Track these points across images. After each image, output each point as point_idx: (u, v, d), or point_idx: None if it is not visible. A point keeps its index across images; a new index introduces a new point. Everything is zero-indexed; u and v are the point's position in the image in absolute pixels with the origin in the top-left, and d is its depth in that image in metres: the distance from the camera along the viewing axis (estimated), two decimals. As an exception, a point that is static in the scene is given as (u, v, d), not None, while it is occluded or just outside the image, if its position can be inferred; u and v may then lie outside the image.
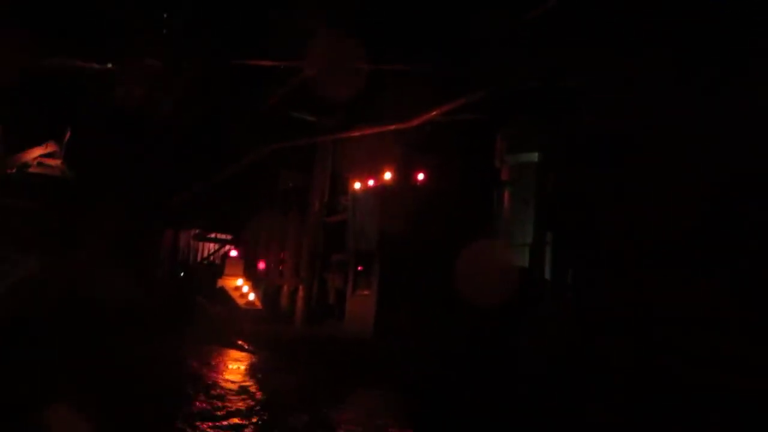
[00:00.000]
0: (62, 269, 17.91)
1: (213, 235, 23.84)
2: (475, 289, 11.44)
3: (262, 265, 18.40)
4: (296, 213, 17.97)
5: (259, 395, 8.36)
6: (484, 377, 8.60)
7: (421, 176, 14.52)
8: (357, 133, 14.76)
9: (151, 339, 13.11)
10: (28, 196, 19.94)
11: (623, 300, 8.49)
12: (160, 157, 20.16)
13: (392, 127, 13.85)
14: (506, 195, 13.62)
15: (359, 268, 15.06)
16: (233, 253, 19.00)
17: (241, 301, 16.73)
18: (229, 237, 23.04)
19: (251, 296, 16.92)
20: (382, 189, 14.81)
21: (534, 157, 12.70)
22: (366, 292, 14.40)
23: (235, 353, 13.03)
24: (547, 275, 11.94)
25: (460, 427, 7.30)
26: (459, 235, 12.53)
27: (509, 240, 12.86)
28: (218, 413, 7.06)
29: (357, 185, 15.63)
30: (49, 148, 19.82)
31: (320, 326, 15.73)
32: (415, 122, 13.37)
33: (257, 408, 7.46)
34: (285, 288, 17.47)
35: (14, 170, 19.20)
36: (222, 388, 8.52)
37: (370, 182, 15.21)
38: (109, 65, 16.27)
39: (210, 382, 9.10)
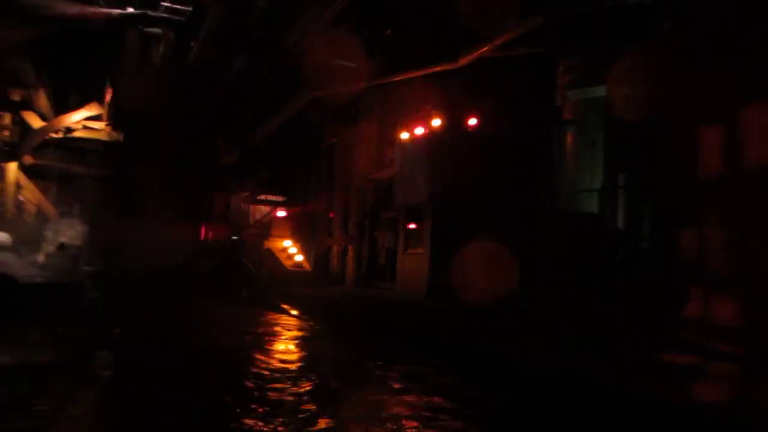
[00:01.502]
0: (113, 234, 17.82)
1: (263, 197, 23.34)
2: (537, 241, 10.22)
3: (312, 226, 17.63)
4: (344, 168, 17.00)
5: (301, 369, 7.45)
6: (551, 345, 7.39)
7: (473, 121, 13.15)
8: (400, 77, 13.44)
9: (197, 303, 12.60)
10: (78, 161, 19.83)
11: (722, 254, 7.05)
12: (206, 117, 19.53)
13: (438, 68, 12.48)
14: (569, 136, 12.13)
15: (410, 225, 14.01)
16: (280, 213, 18.28)
17: (288, 263, 16.04)
18: (279, 198, 22.47)
19: (299, 258, 16.19)
20: (431, 137, 13.56)
21: (602, 91, 11.13)
22: (419, 251, 13.35)
23: (281, 318, 12.30)
24: (620, 224, 10.55)
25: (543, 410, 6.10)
26: (517, 182, 11.24)
27: (574, 186, 11.45)
28: (264, 388, 6.21)
29: (404, 135, 14.43)
30: (93, 109, 19.48)
31: (371, 288, 14.85)
32: (464, 61, 11.93)
33: (301, 389, 6.49)
34: (334, 248, 16.65)
35: (60, 134, 18.96)
36: (264, 363, 7.63)
37: (419, 131, 13.97)
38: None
39: (250, 353, 8.30)
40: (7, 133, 19.25)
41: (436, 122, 13.48)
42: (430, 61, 12.75)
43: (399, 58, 13.97)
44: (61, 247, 14.18)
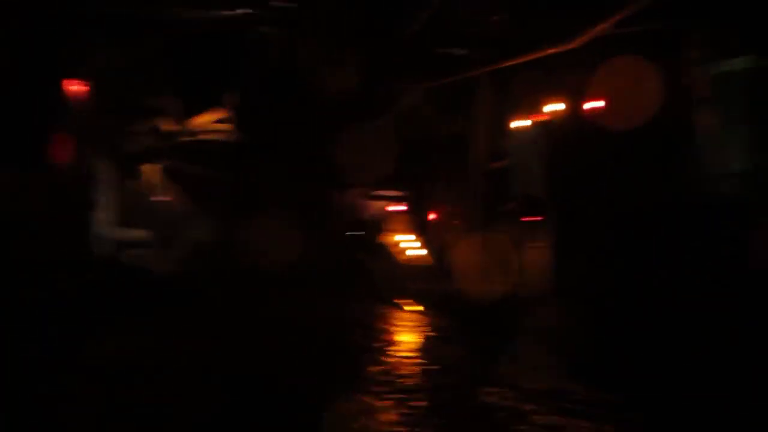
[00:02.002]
0: (238, 232, 18.66)
1: (380, 192, 23.44)
2: (672, 232, 9.37)
3: (426, 219, 17.50)
4: (457, 161, 16.65)
5: (420, 370, 7.23)
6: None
7: (592, 104, 12.32)
8: (514, 62, 12.88)
9: (312, 299, 12.88)
10: (206, 162, 21.02)
11: None
12: (320, 113, 19.96)
13: (552, 51, 11.82)
14: (703, 114, 11.01)
15: (529, 217, 13.45)
16: (397, 207, 18.28)
17: (405, 258, 15.98)
18: (395, 193, 22.49)
19: (417, 252, 16.10)
20: (548, 124, 12.92)
21: (743, 62, 9.97)
22: (539, 244, 12.78)
23: (399, 314, 12.26)
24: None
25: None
26: (645, 167, 10.37)
27: (710, 169, 10.38)
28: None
29: (519, 124, 13.87)
30: (220, 113, 20.51)
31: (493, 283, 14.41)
32: (578, 41, 11.18)
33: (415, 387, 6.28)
34: (449, 243, 16.36)
35: (189, 137, 20.18)
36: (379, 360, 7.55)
37: (534, 118, 13.37)
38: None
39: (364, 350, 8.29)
40: (149, 138, 20.80)
41: (553, 107, 12.81)
42: (542, 44, 12.13)
43: (510, 43, 13.45)
44: (193, 243, 15.13)
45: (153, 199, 20.53)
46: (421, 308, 12.24)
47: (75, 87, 13.81)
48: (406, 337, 9.87)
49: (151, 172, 20.83)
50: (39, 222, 11.59)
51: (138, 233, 14.08)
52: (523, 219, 13.36)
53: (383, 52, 15.11)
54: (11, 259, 10.67)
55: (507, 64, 13.10)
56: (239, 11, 16.21)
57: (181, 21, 14.73)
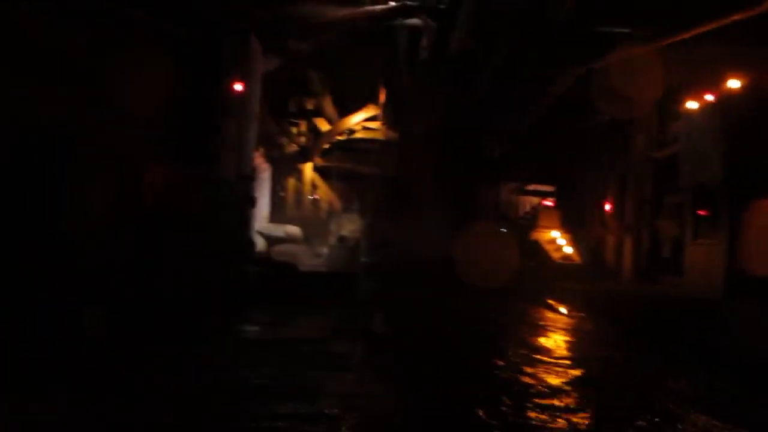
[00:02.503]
0: (391, 228, 18.78)
1: (532, 188, 22.44)
2: None
3: (582, 215, 16.23)
4: (618, 151, 15.26)
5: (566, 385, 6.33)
6: None
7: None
8: (690, 33, 11.36)
9: (457, 295, 12.41)
10: (360, 160, 21.41)
11: None
12: (472, 108, 19.39)
13: (737, 16, 10.23)
14: None
15: (700, 210, 11.87)
16: (547, 203, 17.19)
17: (556, 255, 14.92)
18: (549, 188, 21.34)
19: (568, 250, 14.95)
20: (725, 104, 11.28)
21: None
22: (712, 241, 11.21)
23: (548, 314, 11.37)
24: None
25: None
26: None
27: None
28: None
29: (691, 105, 12.29)
30: (371, 111, 20.75)
31: (653, 283, 12.97)
32: (769, 4, 9.56)
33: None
34: (609, 240, 15.02)
35: (344, 136, 20.64)
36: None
37: (709, 98, 11.76)
38: None
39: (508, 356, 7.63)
40: (303, 138, 21.66)
41: (733, 84, 11.15)
42: (725, 9, 10.54)
43: (683, 12, 11.94)
44: (341, 240, 15.32)
45: (309, 196, 21.36)
46: (567, 309, 11.24)
47: (238, 88, 14.58)
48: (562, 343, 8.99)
49: (308, 170, 21.67)
50: (205, 217, 12.32)
51: (290, 229, 14.54)
52: (696, 212, 11.81)
53: (537, 33, 14.17)
54: (184, 250, 11.44)
55: (683, 36, 11.58)
56: (391, 3, 16.19)
57: (331, 20, 14.98)
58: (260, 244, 13.85)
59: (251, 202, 12.88)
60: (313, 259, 13.97)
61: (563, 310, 11.46)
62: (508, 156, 20.56)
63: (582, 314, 10.99)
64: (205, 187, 11.21)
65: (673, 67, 13.61)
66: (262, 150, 14.32)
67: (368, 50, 19.44)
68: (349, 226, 17.22)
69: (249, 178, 12.09)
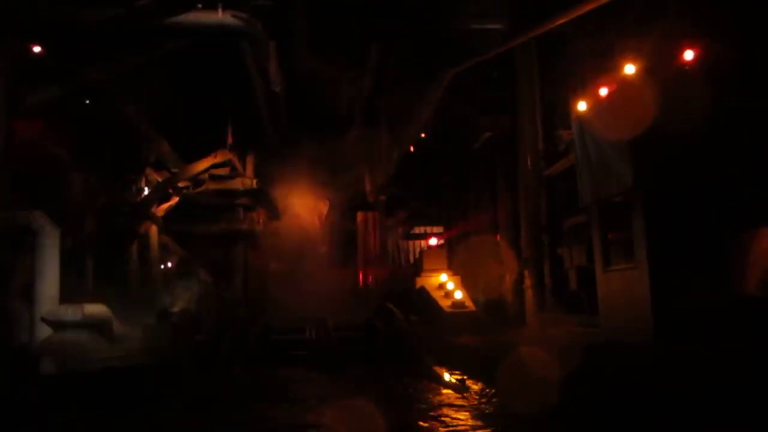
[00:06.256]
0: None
1: (419, 230, 20.04)
2: None
3: (471, 252, 13.67)
4: (504, 172, 12.95)
5: None
6: None
7: (689, 55, 8.46)
8: (573, 14, 9.29)
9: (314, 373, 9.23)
10: (209, 216, 18.01)
11: None
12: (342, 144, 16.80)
13: (589, 6, 8.30)
14: None
15: (609, 229, 9.57)
16: (432, 241, 14.58)
17: (445, 303, 12.11)
18: (436, 229, 18.98)
19: (458, 294, 12.19)
20: (624, 95, 9.13)
21: None
22: (628, 265, 8.83)
23: (436, 391, 8.17)
24: None
25: None
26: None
27: None
28: None
29: (582, 106, 10.12)
30: (220, 157, 17.66)
31: (563, 325, 10.39)
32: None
33: None
34: (506, 278, 12.49)
35: (188, 184, 17.26)
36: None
37: (603, 92, 9.62)
38: None
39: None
40: (140, 191, 18.13)
41: (630, 69, 9.03)
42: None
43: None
44: (162, 315, 11.75)
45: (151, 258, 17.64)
46: (460, 379, 8.15)
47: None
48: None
49: (151, 230, 17.98)
50: None
51: (91, 310, 10.63)
52: (604, 233, 9.46)
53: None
54: None
55: (562, 20, 9.47)
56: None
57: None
58: (46, 333, 10.08)
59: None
60: (103, 348, 10.04)
61: (455, 379, 8.43)
62: (391, 199, 18.15)
63: (481, 385, 7.96)
64: None
65: (556, 68, 11.69)
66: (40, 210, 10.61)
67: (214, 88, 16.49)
68: (184, 295, 13.68)
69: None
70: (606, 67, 10.00)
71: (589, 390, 6.11)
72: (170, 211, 17.28)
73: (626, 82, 9.18)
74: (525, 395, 6.61)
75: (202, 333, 11.08)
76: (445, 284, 12.60)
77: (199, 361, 9.78)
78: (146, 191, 18.05)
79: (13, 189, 10.98)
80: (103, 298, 11.15)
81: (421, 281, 13.02)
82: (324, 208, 17.90)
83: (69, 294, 10.90)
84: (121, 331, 10.69)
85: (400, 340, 10.29)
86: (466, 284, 12.90)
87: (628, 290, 8.75)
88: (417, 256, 17.25)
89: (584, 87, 10.52)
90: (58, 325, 10.14)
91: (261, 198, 18.11)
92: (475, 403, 7.28)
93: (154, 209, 17.08)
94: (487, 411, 6.90)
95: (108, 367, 8.39)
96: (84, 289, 12.62)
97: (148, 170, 17.51)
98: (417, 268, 13.86)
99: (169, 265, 18.88)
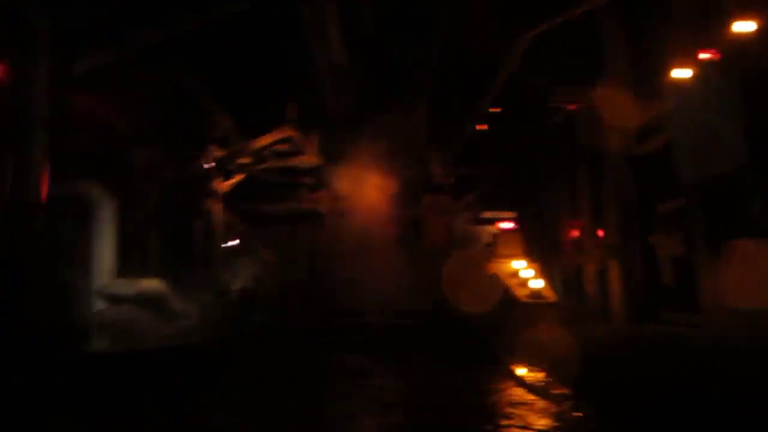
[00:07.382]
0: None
1: (490, 215, 18.99)
2: None
3: (552, 238, 12.58)
4: (585, 151, 11.77)
5: None
6: None
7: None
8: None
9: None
10: (271, 195, 17.65)
11: None
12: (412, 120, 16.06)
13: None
14: None
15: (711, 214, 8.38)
16: (505, 225, 13.56)
17: (522, 293, 11.10)
18: (509, 214, 17.91)
19: (537, 283, 11.16)
20: (735, 59, 7.87)
21: None
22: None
23: (507, 392, 7.24)
24: None
25: None
26: None
27: None
28: None
29: (679, 73, 8.89)
30: (282, 133, 17.18)
31: (656, 323, 9.23)
32: None
33: None
34: (587, 268, 11.37)
35: (251, 161, 16.92)
36: None
37: (706, 56, 8.37)
38: None
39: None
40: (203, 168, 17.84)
41: (743, 27, 7.75)
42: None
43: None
44: (221, 294, 11.32)
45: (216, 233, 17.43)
46: (540, 380, 7.13)
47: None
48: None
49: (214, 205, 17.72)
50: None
51: (147, 285, 10.38)
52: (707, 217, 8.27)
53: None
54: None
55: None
56: None
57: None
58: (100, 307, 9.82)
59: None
60: (159, 326, 9.69)
61: (537, 379, 7.47)
62: (461, 178, 17.30)
63: (563, 388, 6.94)
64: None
65: (646, 31, 10.39)
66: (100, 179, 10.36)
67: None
68: (244, 274, 13.27)
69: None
70: (711, 26, 8.69)
71: (702, 402, 5.08)
72: (234, 189, 16.98)
73: (739, 42, 7.91)
74: (622, 403, 5.62)
75: (261, 313, 10.64)
76: (521, 272, 11.60)
77: (253, 343, 9.29)
78: (210, 167, 17.80)
79: (75, 160, 10.76)
80: (165, 274, 10.87)
81: (494, 267, 12.06)
82: (390, 189, 17.27)
83: (131, 269, 10.66)
84: (179, 307, 10.36)
85: (468, 331, 9.44)
86: (543, 272, 11.85)
87: (739, 284, 7.53)
88: (489, 240, 16.27)
89: (683, 51, 9.20)
90: (112, 299, 9.91)
91: (325, 177, 17.65)
92: (562, 410, 6.30)
93: (218, 186, 16.83)
94: (571, 418, 5.95)
95: (158, 346, 7.98)
96: (147, 263, 12.39)
97: (212, 146, 17.22)
98: (489, 253, 12.91)
99: (233, 243, 18.67)
